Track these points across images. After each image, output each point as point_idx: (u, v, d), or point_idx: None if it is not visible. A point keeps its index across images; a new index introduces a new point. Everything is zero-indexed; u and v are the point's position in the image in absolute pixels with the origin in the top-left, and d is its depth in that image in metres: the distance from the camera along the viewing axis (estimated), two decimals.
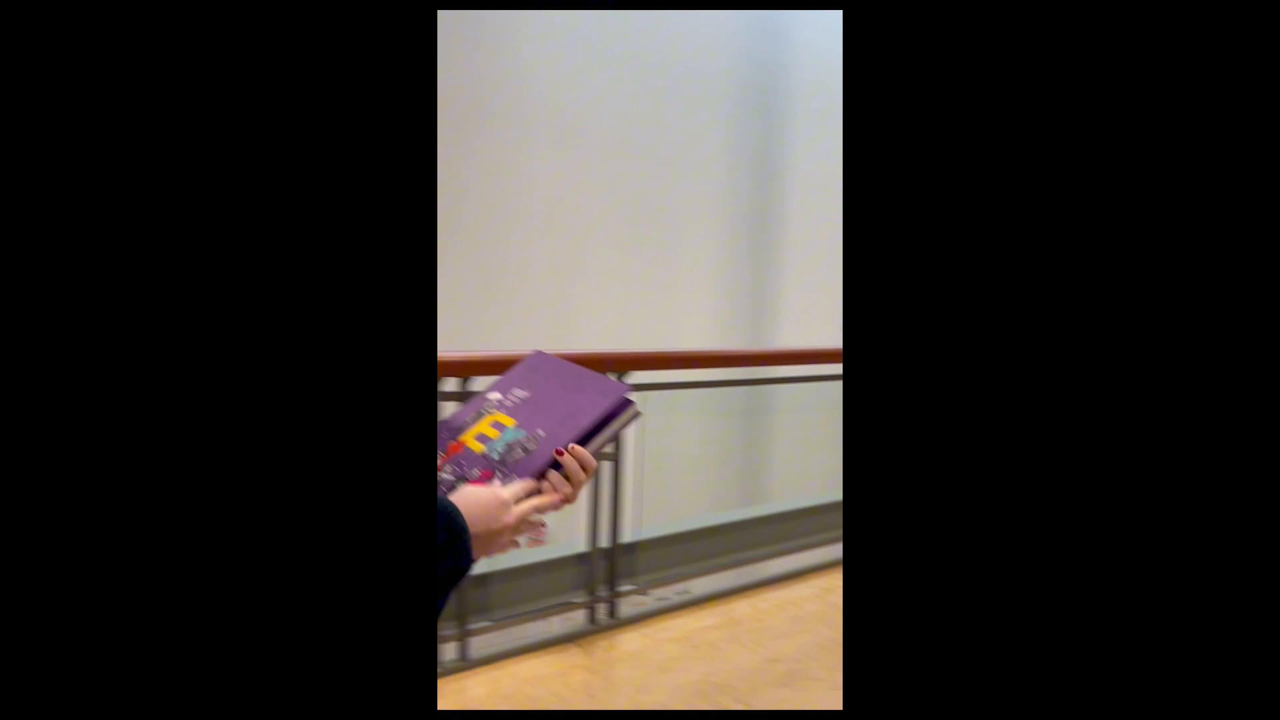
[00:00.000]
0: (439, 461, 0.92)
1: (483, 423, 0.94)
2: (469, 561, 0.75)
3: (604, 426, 0.92)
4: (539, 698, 2.04)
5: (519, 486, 0.82)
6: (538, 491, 0.84)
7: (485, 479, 0.90)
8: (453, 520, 0.74)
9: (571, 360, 1.02)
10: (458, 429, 0.95)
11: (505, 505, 0.80)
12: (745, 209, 4.09)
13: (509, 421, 0.94)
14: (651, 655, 2.29)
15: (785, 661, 2.25)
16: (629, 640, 2.40)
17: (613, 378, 1.00)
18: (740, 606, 2.64)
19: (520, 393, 0.97)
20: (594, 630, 2.47)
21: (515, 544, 0.82)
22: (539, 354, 1.03)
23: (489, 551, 0.79)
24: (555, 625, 2.44)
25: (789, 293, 4.38)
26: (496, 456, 0.90)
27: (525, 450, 0.91)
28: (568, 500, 0.85)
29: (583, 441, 0.89)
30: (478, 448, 0.92)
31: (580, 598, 2.51)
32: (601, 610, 2.53)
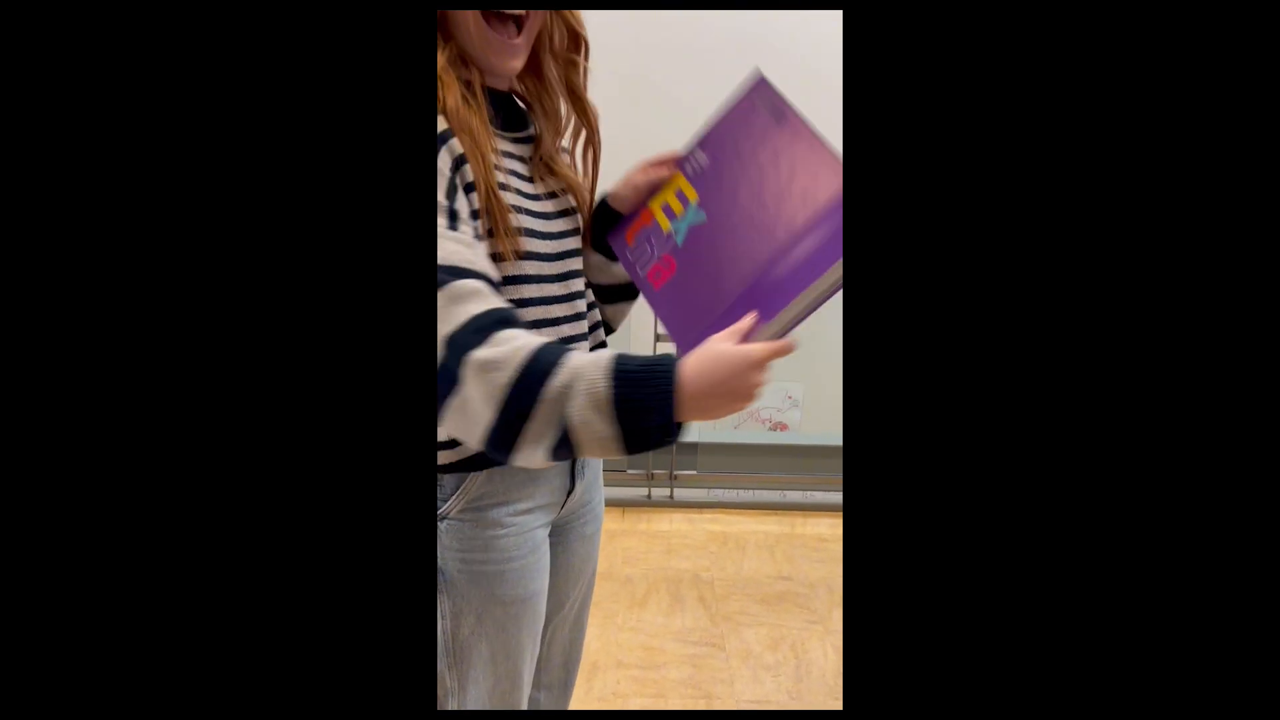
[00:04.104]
0: (628, 229, 0.83)
1: (669, 188, 0.82)
2: (670, 423, 0.64)
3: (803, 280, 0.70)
4: None
5: (770, 348, 0.66)
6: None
7: (668, 268, 0.82)
8: (657, 375, 0.63)
9: None
10: (653, 191, 0.83)
11: (756, 368, 0.65)
12: None
13: (691, 194, 0.81)
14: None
15: None
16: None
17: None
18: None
19: (702, 157, 0.81)
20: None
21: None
22: (757, 90, 0.78)
23: (723, 413, 0.66)
24: None
25: None
26: (680, 242, 0.80)
27: (711, 253, 0.77)
28: None
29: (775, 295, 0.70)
30: (664, 223, 0.82)
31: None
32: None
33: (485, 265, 0.71)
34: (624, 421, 0.63)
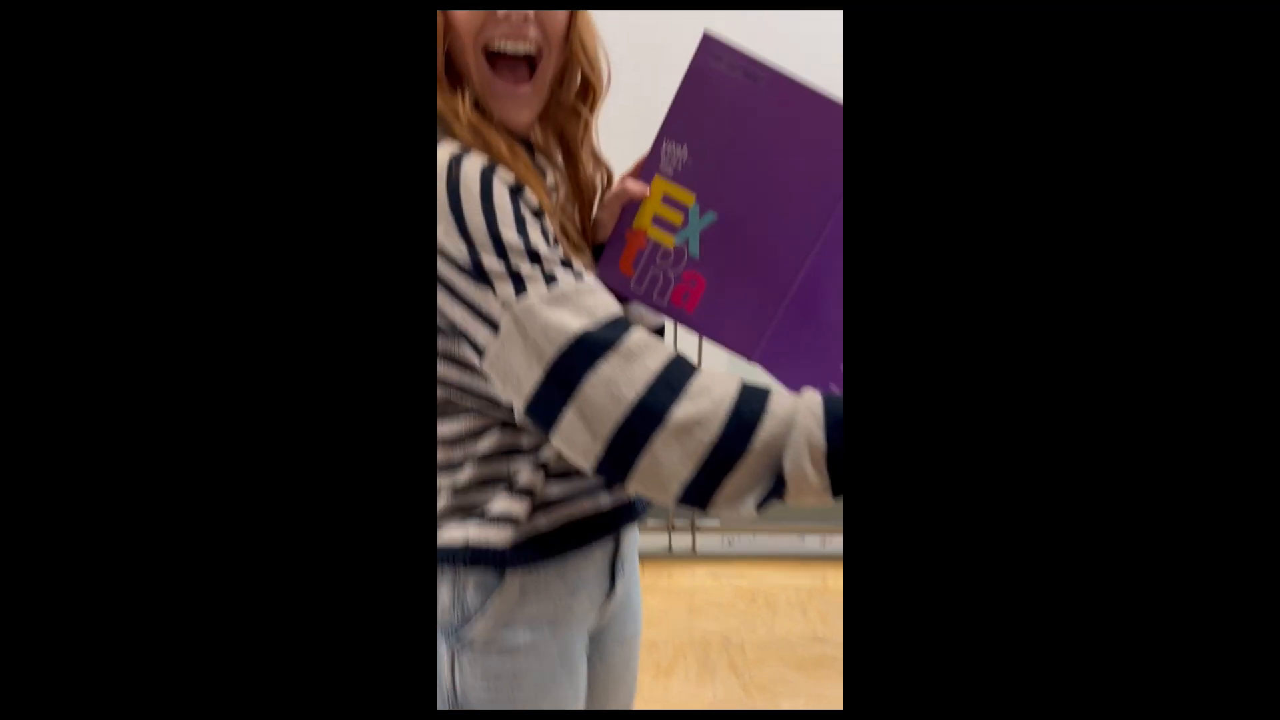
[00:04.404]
0: (619, 260, 0.72)
1: (653, 199, 0.71)
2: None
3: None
4: None
5: None
6: None
7: (695, 286, 0.71)
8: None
9: None
10: (634, 209, 0.71)
11: None
12: None
13: (684, 196, 0.71)
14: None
15: None
16: None
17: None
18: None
19: (679, 151, 0.71)
20: None
21: None
22: (709, 53, 0.69)
23: None
24: None
25: None
26: (696, 253, 0.71)
27: (741, 250, 0.70)
28: None
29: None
30: (665, 239, 0.71)
31: None
32: None
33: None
34: (837, 472, 0.59)
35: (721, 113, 0.69)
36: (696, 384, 0.60)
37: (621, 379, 0.58)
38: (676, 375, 0.60)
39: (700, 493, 0.59)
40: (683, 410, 0.58)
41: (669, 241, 0.71)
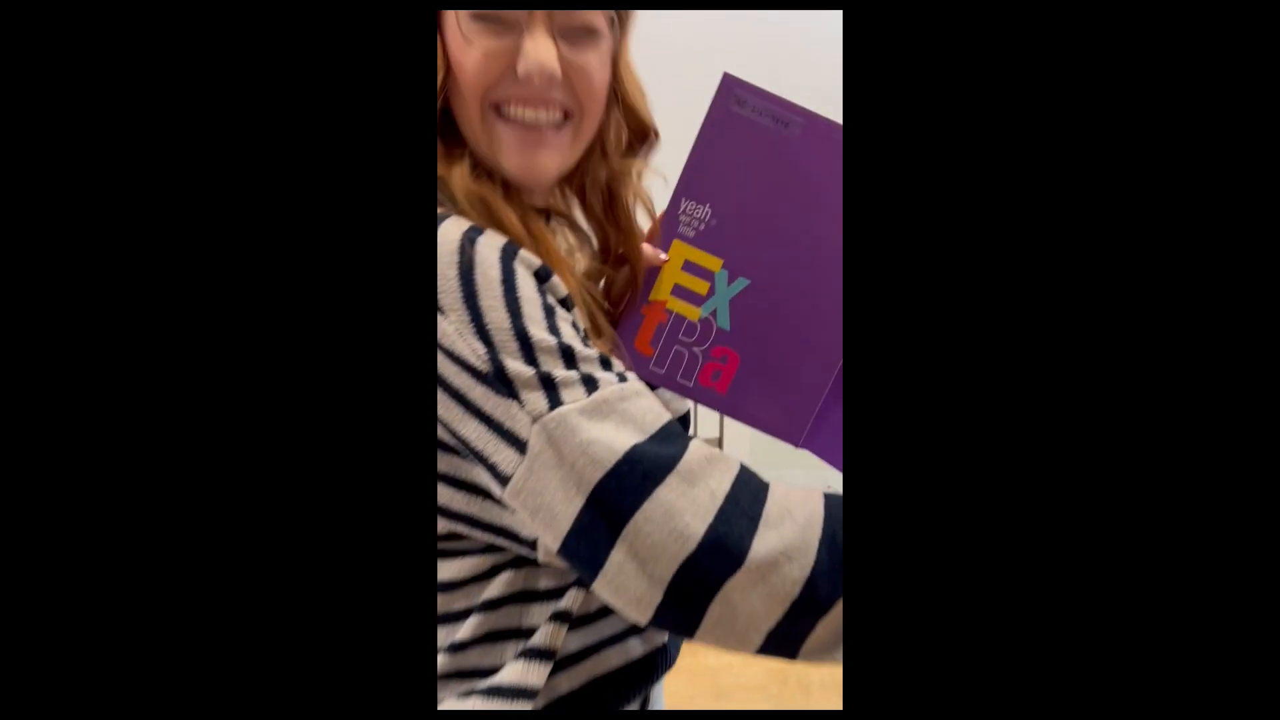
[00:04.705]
0: (635, 338, 0.63)
1: (672, 267, 0.63)
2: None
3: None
4: None
5: None
6: None
7: (727, 363, 0.63)
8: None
9: None
10: (650, 278, 0.63)
11: None
12: None
13: (710, 261, 0.62)
14: None
15: None
16: None
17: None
18: None
19: (699, 210, 0.62)
20: None
21: None
22: (731, 97, 0.61)
23: None
24: None
25: None
26: (727, 325, 0.62)
27: (779, 318, 0.62)
28: None
29: None
30: (689, 311, 0.63)
31: None
32: None
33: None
34: None
35: (748, 164, 0.61)
36: (774, 505, 0.49)
37: (684, 507, 0.47)
38: (748, 496, 0.49)
39: (788, 641, 0.49)
40: (764, 543, 0.47)
41: (694, 314, 0.63)
